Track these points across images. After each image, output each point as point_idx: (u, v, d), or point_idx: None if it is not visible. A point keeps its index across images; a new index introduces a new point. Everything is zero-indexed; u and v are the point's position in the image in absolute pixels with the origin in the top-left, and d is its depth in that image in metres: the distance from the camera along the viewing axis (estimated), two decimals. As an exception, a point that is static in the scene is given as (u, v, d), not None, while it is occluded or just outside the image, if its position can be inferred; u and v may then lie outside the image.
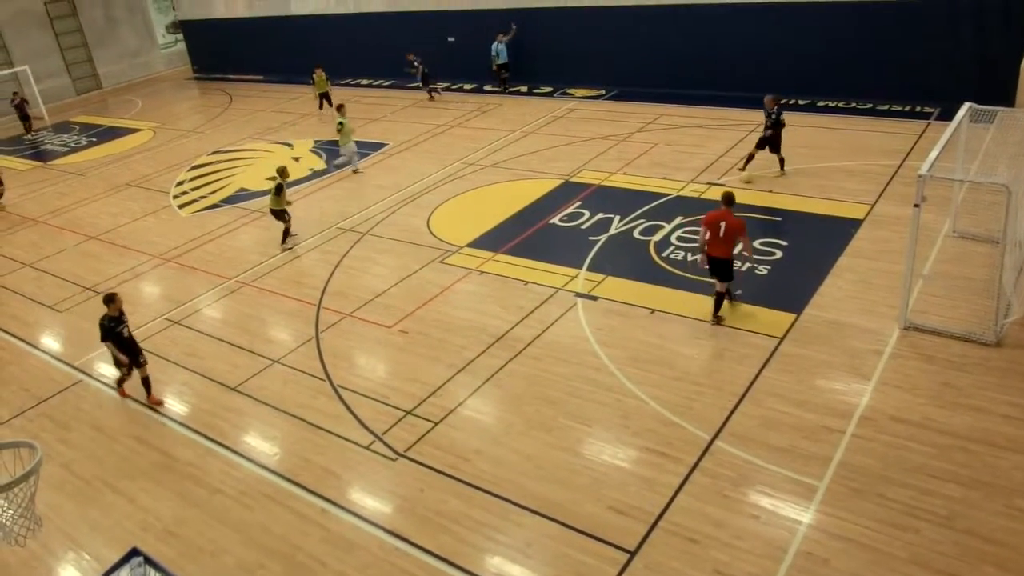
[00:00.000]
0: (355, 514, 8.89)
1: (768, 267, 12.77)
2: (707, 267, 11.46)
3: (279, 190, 15.84)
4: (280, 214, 16.09)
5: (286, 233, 16.24)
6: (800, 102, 20.85)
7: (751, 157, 16.22)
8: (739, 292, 12.02)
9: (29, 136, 29.74)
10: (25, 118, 30.15)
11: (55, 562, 8.92)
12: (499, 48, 25.37)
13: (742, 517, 8.07)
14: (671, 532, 8.00)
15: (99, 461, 10.46)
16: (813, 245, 13.28)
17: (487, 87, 27.00)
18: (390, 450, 9.79)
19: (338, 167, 20.54)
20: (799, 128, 18.91)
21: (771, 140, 16.02)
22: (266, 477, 9.70)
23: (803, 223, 14.00)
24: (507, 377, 10.89)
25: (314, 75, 26.76)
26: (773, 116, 15.80)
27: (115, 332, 11.08)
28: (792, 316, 11.36)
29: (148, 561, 8.40)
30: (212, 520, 9.10)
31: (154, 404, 11.52)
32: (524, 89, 26.03)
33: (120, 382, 11.86)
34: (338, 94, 29.44)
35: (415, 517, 8.70)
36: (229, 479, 9.76)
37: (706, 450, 9.04)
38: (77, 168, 24.66)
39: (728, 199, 11.33)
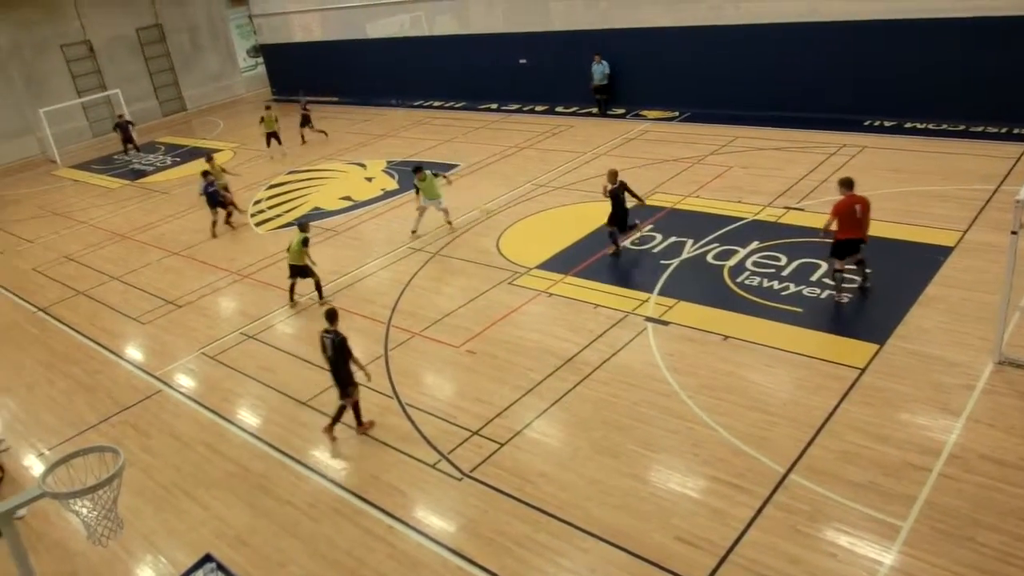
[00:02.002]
0: (420, 532, 8.90)
1: (849, 295, 12.38)
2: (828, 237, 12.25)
3: (305, 243, 14.59)
4: (304, 271, 14.81)
5: (319, 287, 14.98)
6: (886, 123, 20.30)
7: (616, 236, 15.02)
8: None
9: (125, 156, 30.71)
10: (129, 140, 30.94)
11: (134, 563, 9.18)
12: (595, 69, 25.26)
13: (818, 555, 7.78)
14: (742, 567, 7.76)
15: (176, 468, 10.74)
16: (899, 273, 12.83)
17: (559, 108, 27.07)
18: (456, 470, 9.78)
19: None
20: (885, 151, 18.45)
21: (613, 213, 14.84)
22: (334, 491, 9.80)
23: (888, 249, 13.51)
24: (574, 400, 10.80)
25: (263, 115, 26.47)
26: (612, 188, 14.67)
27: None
28: (875, 346, 10.97)
29: (220, 568, 8.59)
30: (281, 531, 9.23)
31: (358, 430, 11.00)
32: (595, 111, 25.98)
33: (357, 410, 10.83)
34: (411, 115, 29.96)
35: (479, 538, 8.66)
36: (298, 491, 9.90)
37: (780, 483, 8.76)
38: (162, 187, 25.57)
39: (849, 183, 11.95)
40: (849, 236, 11.91)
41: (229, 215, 20.18)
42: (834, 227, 12.05)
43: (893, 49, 20.01)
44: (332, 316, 10.51)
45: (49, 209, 25.04)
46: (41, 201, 26.31)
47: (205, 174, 19.76)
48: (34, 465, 11.51)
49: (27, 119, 33.15)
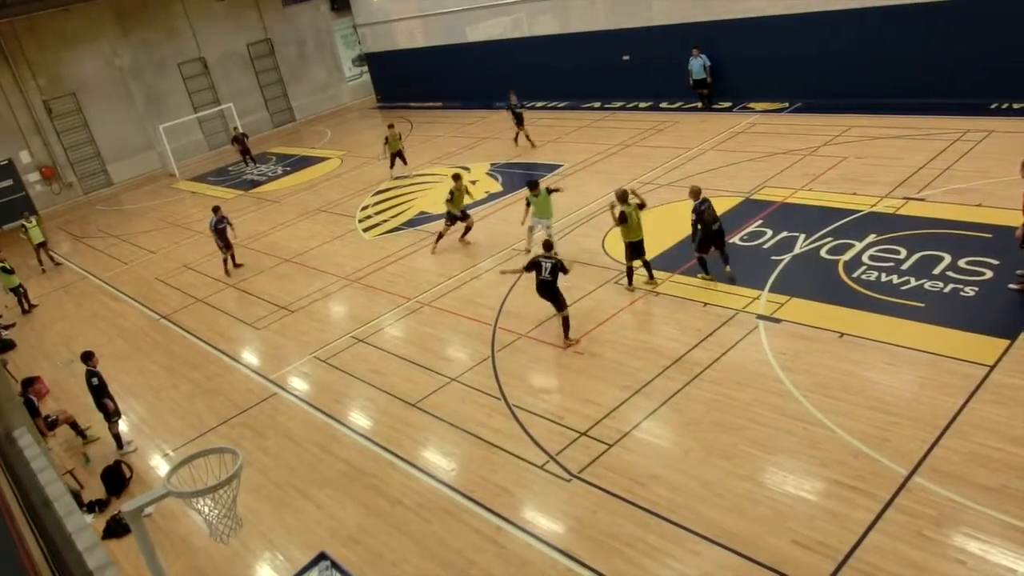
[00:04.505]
0: (529, 533, 8.89)
1: (976, 288, 11.70)
2: None
3: (624, 219, 13.47)
4: (636, 248, 13.75)
5: (647, 268, 14.05)
6: (1015, 106, 19.00)
7: (703, 263, 13.77)
8: None
9: (245, 167, 31.76)
10: (246, 152, 31.77)
11: (253, 559, 9.52)
12: (693, 64, 24.78)
13: (946, 561, 7.36)
14: (863, 572, 7.42)
15: (291, 468, 11.07)
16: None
17: (663, 104, 26.63)
18: (564, 471, 9.72)
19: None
20: (1015, 135, 17.29)
21: (708, 236, 13.52)
22: (443, 492, 9.89)
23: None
24: (684, 401, 10.58)
25: (387, 134, 24.81)
26: (693, 214, 13.49)
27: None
28: (1005, 342, 10.32)
29: (334, 565, 8.78)
30: (393, 530, 9.38)
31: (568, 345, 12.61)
32: (699, 106, 25.43)
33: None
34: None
35: (589, 539, 8.58)
36: (408, 491, 10.04)
37: (903, 486, 8.34)
38: (274, 196, 26.49)
39: None
40: None
41: (231, 257, 19.56)
42: None
43: (1019, 27, 18.70)
44: (549, 245, 13.08)
45: (170, 221, 26.34)
46: (162, 213, 27.71)
47: (216, 209, 19.33)
48: (160, 465, 12.09)
49: (148, 135, 35.01)
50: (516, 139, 25.57)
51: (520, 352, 12.81)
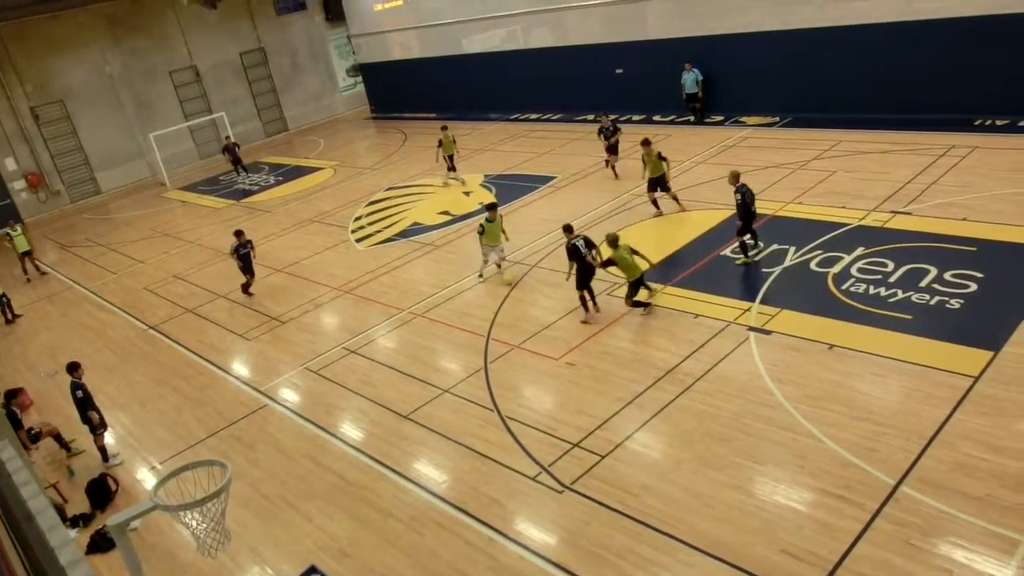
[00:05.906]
0: (521, 544, 8.89)
1: (961, 300, 11.81)
2: None
3: (609, 263, 13.41)
4: (637, 284, 13.41)
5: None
6: (998, 122, 19.25)
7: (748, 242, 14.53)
8: None
9: (236, 176, 31.63)
10: (237, 161, 31.56)
11: (242, 574, 9.47)
12: (685, 78, 24.95)
13: (932, 570, 7.42)
14: (853, 582, 7.47)
15: (281, 481, 11.04)
16: (1014, 276, 12.17)
17: (656, 117, 26.76)
18: (556, 482, 9.74)
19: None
20: (998, 151, 17.52)
21: (746, 218, 14.25)
22: (435, 504, 9.89)
23: (1003, 254, 12.87)
24: (676, 412, 10.62)
25: (440, 137, 23.75)
26: (738, 195, 14.11)
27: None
28: (989, 354, 10.41)
29: (325, 580, 8.74)
30: (384, 543, 9.37)
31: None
32: (692, 119, 25.58)
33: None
34: (508, 128, 30.15)
35: (581, 550, 8.60)
36: (400, 504, 10.03)
37: (890, 495, 8.41)
38: (266, 205, 26.46)
39: None
40: None
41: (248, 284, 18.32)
42: None
43: (1002, 45, 18.98)
44: (569, 228, 13.96)
45: (159, 230, 26.25)
46: (152, 223, 27.63)
47: (239, 234, 17.79)
48: (147, 478, 12.01)
49: (138, 143, 34.89)
50: (613, 168, 21.45)
51: (513, 363, 12.83)
